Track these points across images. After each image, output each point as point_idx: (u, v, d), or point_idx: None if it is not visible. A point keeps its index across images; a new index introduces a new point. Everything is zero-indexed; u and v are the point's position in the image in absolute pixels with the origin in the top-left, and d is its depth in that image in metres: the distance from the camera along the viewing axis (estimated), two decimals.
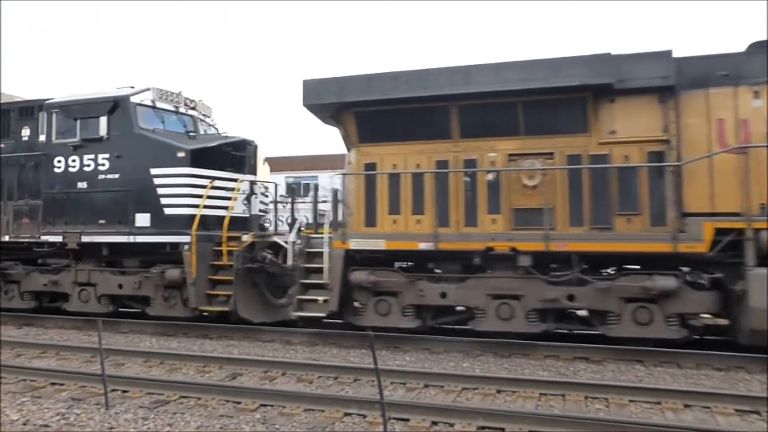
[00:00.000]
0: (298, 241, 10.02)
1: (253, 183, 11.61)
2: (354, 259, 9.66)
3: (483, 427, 5.55)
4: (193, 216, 10.44)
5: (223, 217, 10.78)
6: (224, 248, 10.52)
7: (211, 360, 8.40)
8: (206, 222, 10.61)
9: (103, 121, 11.08)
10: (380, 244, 9.39)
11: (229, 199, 11.05)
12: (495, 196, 9.19)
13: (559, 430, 5.35)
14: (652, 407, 6.22)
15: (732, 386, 7.11)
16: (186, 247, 10.40)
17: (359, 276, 9.44)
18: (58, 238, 11.44)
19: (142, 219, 10.77)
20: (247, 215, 11.38)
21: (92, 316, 11.13)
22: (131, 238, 10.85)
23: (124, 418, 5.99)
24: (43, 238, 11.61)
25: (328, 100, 9.77)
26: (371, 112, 9.75)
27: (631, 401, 6.36)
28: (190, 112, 12.23)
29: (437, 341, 9.34)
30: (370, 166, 9.88)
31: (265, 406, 6.31)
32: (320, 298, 9.62)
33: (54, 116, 11.66)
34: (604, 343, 8.72)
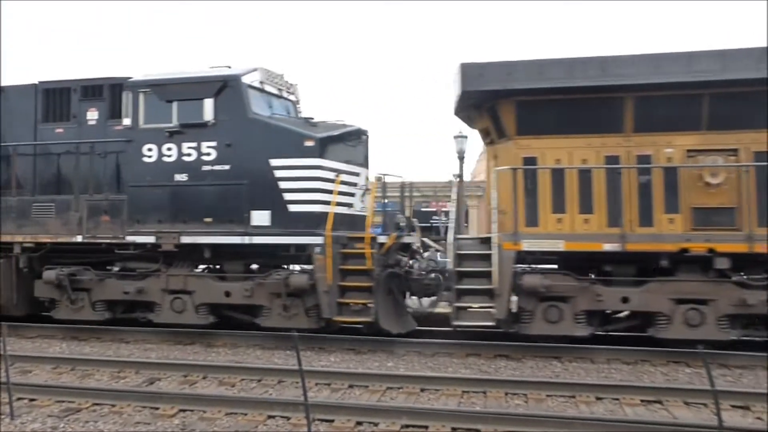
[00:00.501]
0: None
1: (382, 178, 10.43)
2: (524, 261, 8.95)
3: (407, 426, 5.63)
4: (323, 214, 9.17)
5: (345, 215, 9.77)
6: (368, 251, 9.18)
7: (126, 365, 8.05)
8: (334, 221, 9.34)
9: (209, 103, 9.45)
10: (558, 245, 8.62)
11: (350, 194, 10.02)
12: (673, 194, 8.65)
13: (481, 426, 5.50)
14: (567, 401, 6.50)
15: (638, 378, 7.58)
16: (318, 249, 9.11)
17: (533, 280, 8.61)
18: (150, 239, 9.75)
19: (260, 217, 9.32)
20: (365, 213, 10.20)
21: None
22: (246, 239, 9.36)
23: (32, 428, 5.74)
24: (129, 238, 9.85)
25: (491, 87, 8.93)
26: (536, 101, 9.03)
27: (548, 396, 6.61)
28: (291, 96, 10.96)
29: (361, 341, 9.32)
30: (530, 161, 9.09)
31: (184, 411, 6.15)
32: (475, 305, 8.83)
33: (141, 97, 9.91)
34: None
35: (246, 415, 5.97)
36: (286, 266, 9.74)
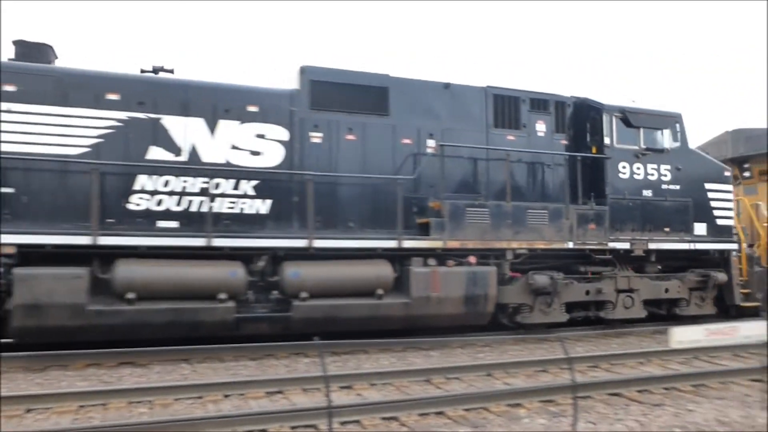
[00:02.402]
0: None
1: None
2: None
3: None
4: (731, 226, 12.50)
5: None
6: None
7: None
8: None
9: (668, 134, 12.07)
10: None
11: None
12: None
13: None
14: (194, 402, 6.40)
15: (263, 372, 7.90)
16: (734, 252, 12.46)
17: None
18: (625, 245, 11.50)
19: (700, 228, 12.16)
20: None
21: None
22: (692, 245, 12.03)
23: None
24: (610, 245, 11.36)
25: None
26: None
27: (175, 399, 6.39)
28: None
29: None
30: None
31: None
32: None
33: (614, 120, 11.68)
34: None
35: None
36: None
